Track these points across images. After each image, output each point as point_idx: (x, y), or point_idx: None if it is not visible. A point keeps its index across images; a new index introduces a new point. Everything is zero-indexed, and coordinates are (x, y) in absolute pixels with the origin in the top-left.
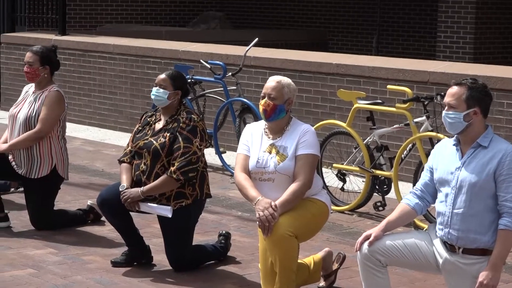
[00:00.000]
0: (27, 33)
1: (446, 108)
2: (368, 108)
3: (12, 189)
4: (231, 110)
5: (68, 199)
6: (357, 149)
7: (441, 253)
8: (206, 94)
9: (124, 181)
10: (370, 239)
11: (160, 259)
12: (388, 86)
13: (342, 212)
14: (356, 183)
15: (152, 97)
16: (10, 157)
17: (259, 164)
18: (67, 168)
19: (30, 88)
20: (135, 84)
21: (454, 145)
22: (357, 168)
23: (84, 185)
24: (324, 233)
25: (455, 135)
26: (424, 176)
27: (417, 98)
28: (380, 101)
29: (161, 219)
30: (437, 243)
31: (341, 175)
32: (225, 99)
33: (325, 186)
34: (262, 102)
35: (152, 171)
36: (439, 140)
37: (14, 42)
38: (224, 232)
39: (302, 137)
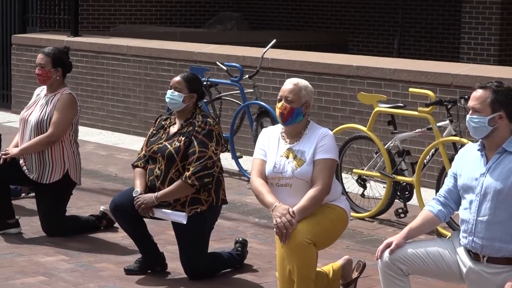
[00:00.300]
0: (39, 34)
1: (470, 112)
2: (390, 112)
3: (23, 195)
4: (248, 114)
5: (81, 205)
6: (378, 154)
7: (465, 262)
8: (222, 97)
9: (138, 186)
10: (392, 247)
11: (175, 266)
12: (410, 89)
13: (362, 219)
14: (377, 189)
15: (167, 100)
16: (21, 161)
17: (276, 169)
18: (79, 173)
19: (41, 90)
20: (149, 86)
21: (478, 150)
22: (378, 174)
23: (96, 190)
24: (343, 240)
25: (480, 140)
26: (448, 182)
27: (440, 101)
28: (401, 104)
29: (176, 225)
30: (461, 251)
31: (362, 181)
32: (242, 102)
33: (345, 192)
34: (279, 105)
35: (166, 176)
36: (463, 145)
37: (25, 43)
38: (240, 239)
39: (320, 141)
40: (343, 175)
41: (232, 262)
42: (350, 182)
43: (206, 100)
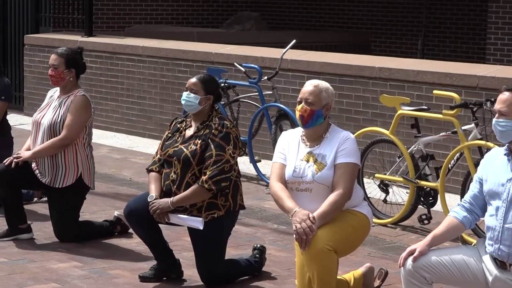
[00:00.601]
0: (52, 34)
1: (497, 115)
2: (413, 115)
3: (35, 199)
4: (266, 116)
5: (94, 210)
6: (401, 159)
7: (491, 270)
8: (240, 99)
9: (153, 191)
10: (415, 255)
11: (191, 274)
12: (434, 91)
13: (384, 225)
14: (400, 195)
15: (182, 102)
16: (33, 165)
17: (296, 173)
18: (93, 177)
19: (54, 92)
20: (165, 88)
21: (505, 154)
22: (401, 179)
23: (111, 195)
24: (365, 247)
25: (506, 144)
26: (473, 188)
27: (466, 104)
28: (425, 107)
29: (192, 231)
30: (487, 259)
31: (384, 186)
32: (261, 104)
33: (367, 198)
34: (299, 107)
35: (182, 181)
36: (488, 149)
37: (38, 43)
38: (258, 245)
39: (341, 144)
40: (365, 180)
41: (250, 269)
42: (372, 187)
43: (223, 102)
